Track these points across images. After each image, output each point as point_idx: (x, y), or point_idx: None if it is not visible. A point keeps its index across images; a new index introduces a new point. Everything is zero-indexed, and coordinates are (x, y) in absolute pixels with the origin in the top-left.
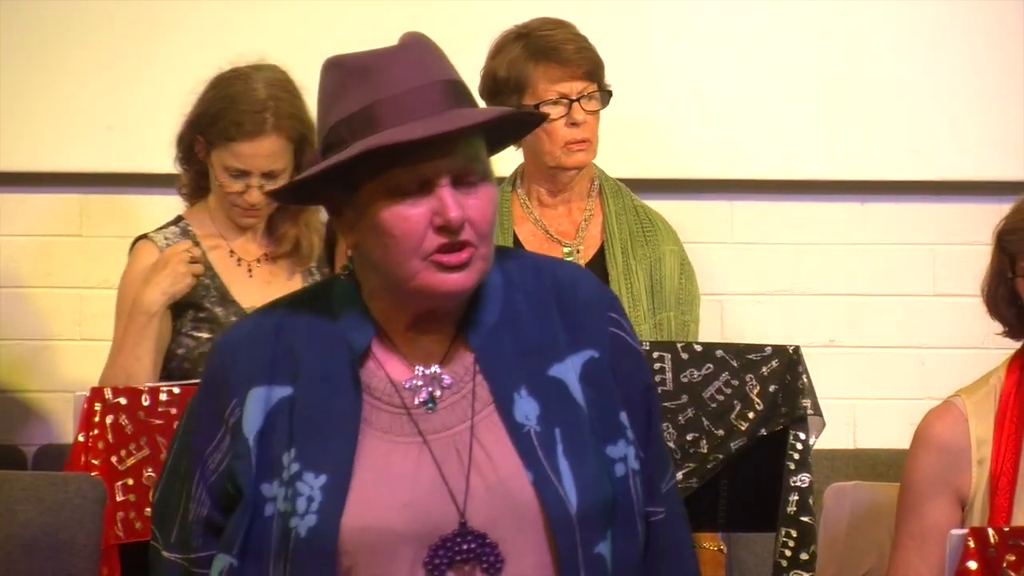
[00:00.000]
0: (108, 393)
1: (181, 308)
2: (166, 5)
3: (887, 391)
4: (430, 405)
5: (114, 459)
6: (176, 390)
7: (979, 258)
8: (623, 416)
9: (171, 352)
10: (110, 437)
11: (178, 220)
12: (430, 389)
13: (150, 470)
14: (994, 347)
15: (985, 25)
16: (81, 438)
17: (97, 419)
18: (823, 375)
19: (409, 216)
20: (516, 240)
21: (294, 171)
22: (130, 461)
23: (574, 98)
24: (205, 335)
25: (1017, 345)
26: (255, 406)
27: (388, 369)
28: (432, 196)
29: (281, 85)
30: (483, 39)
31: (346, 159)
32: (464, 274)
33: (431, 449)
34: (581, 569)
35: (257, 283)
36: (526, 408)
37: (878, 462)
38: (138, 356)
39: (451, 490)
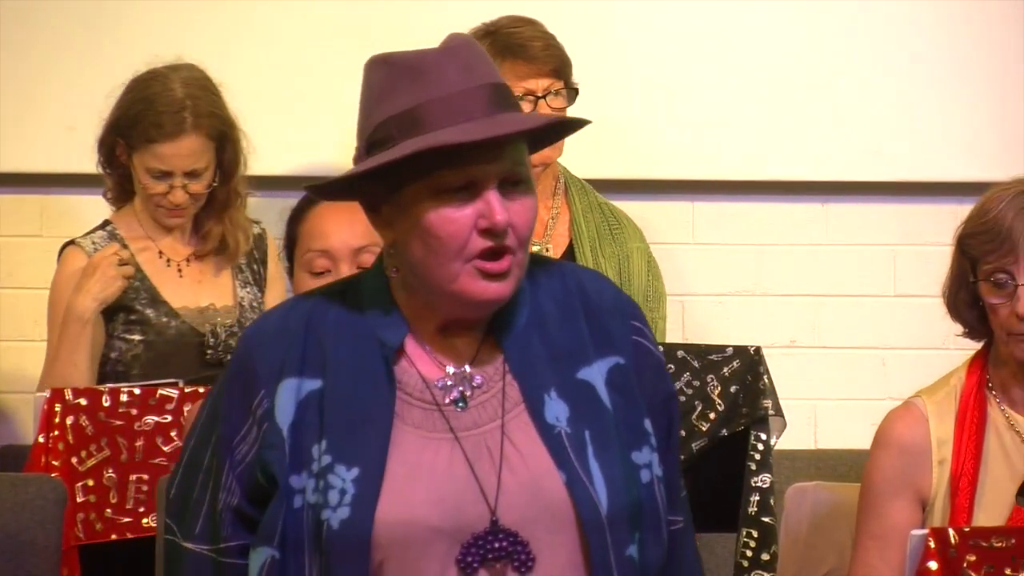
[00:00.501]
0: (68, 394)
1: (112, 311)
2: (129, 5)
3: (848, 391)
4: (461, 404)
5: (74, 460)
6: (136, 391)
7: (940, 259)
8: (647, 423)
9: (105, 356)
10: (70, 438)
11: (105, 224)
12: (461, 388)
13: (111, 471)
14: (955, 348)
15: (945, 27)
16: (41, 439)
17: (57, 420)
18: (784, 375)
19: (455, 218)
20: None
21: (216, 168)
22: (91, 462)
23: (540, 95)
24: (137, 337)
25: (978, 346)
26: (287, 397)
27: (419, 366)
28: (478, 199)
29: (198, 83)
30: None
31: (398, 158)
32: (504, 284)
33: (463, 446)
34: (614, 570)
35: (187, 282)
36: (556, 409)
37: (839, 463)
38: (75, 363)
39: (483, 487)
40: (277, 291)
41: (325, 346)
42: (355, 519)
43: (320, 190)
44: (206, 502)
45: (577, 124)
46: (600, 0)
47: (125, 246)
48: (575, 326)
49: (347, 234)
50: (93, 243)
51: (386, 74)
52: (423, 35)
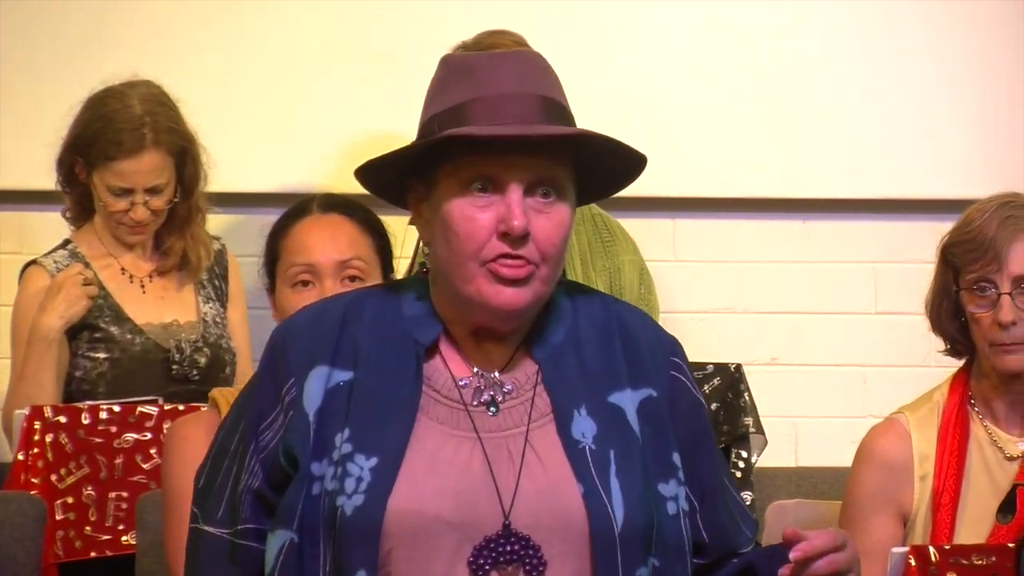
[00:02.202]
0: (48, 411)
1: (76, 330)
2: (109, 24)
3: (829, 409)
4: (493, 408)
5: (54, 477)
6: (116, 408)
7: (920, 276)
8: (675, 457)
9: (70, 375)
10: (50, 456)
11: (66, 243)
12: (491, 392)
13: (90, 488)
14: (935, 365)
15: (926, 46)
16: (20, 456)
17: (37, 437)
18: (765, 393)
19: (475, 217)
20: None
21: (176, 184)
22: (70, 480)
23: None
24: (102, 355)
25: (960, 363)
26: (316, 384)
27: (451, 367)
28: (502, 203)
29: (156, 99)
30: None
31: (421, 143)
32: (519, 291)
33: (484, 446)
34: None
35: (150, 298)
36: (584, 426)
37: (820, 480)
38: (41, 384)
39: (499, 488)
40: (239, 307)
41: (359, 340)
42: (368, 506)
43: (369, 184)
44: (228, 487)
45: (630, 153)
46: (582, 18)
47: (87, 264)
48: (611, 352)
49: (331, 248)
50: (55, 262)
51: (443, 74)
52: (402, 53)
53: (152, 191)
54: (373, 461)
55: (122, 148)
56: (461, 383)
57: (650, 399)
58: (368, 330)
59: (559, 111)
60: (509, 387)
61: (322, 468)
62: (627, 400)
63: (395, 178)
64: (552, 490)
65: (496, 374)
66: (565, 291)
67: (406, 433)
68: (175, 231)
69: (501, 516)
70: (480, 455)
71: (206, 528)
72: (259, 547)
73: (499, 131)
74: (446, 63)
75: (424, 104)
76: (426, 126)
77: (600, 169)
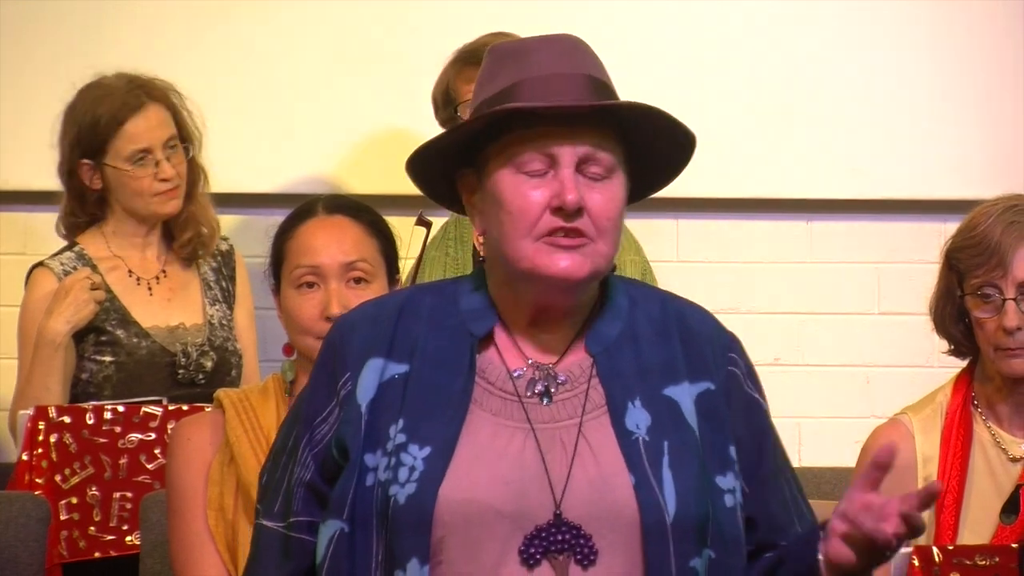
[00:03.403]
0: (52, 412)
1: (83, 333)
2: (112, 26)
3: (832, 409)
4: (546, 399)
5: (58, 478)
6: (120, 409)
7: (923, 276)
8: (732, 450)
9: (76, 378)
10: (54, 456)
11: (72, 245)
12: (545, 383)
13: (94, 488)
14: (939, 365)
15: (929, 46)
16: (25, 457)
17: (41, 438)
18: (768, 393)
19: (528, 194)
20: (476, 253)
21: (179, 137)
22: (74, 480)
23: None
24: (108, 358)
25: (963, 364)
26: (371, 375)
27: (506, 359)
28: (554, 179)
29: (130, 75)
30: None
31: (472, 121)
32: (578, 259)
33: (536, 437)
34: None
35: (157, 301)
36: (638, 418)
37: (823, 480)
38: (47, 387)
39: (551, 478)
40: (246, 308)
41: (416, 333)
42: (420, 495)
43: (420, 181)
44: (284, 481)
45: (680, 131)
46: (585, 19)
47: (94, 267)
48: (668, 347)
49: (336, 250)
50: (61, 264)
51: (491, 62)
52: (409, 53)
53: (167, 145)
54: (426, 451)
55: (126, 108)
56: (515, 374)
57: (708, 392)
58: (425, 323)
59: (606, 89)
60: (563, 379)
61: (376, 459)
62: (684, 393)
63: (445, 172)
64: (603, 480)
65: (551, 365)
66: (624, 289)
67: (459, 424)
68: (185, 196)
69: (552, 506)
70: (532, 445)
71: (265, 523)
72: (312, 540)
73: (550, 102)
74: (493, 52)
75: (474, 94)
76: (477, 111)
77: (650, 156)
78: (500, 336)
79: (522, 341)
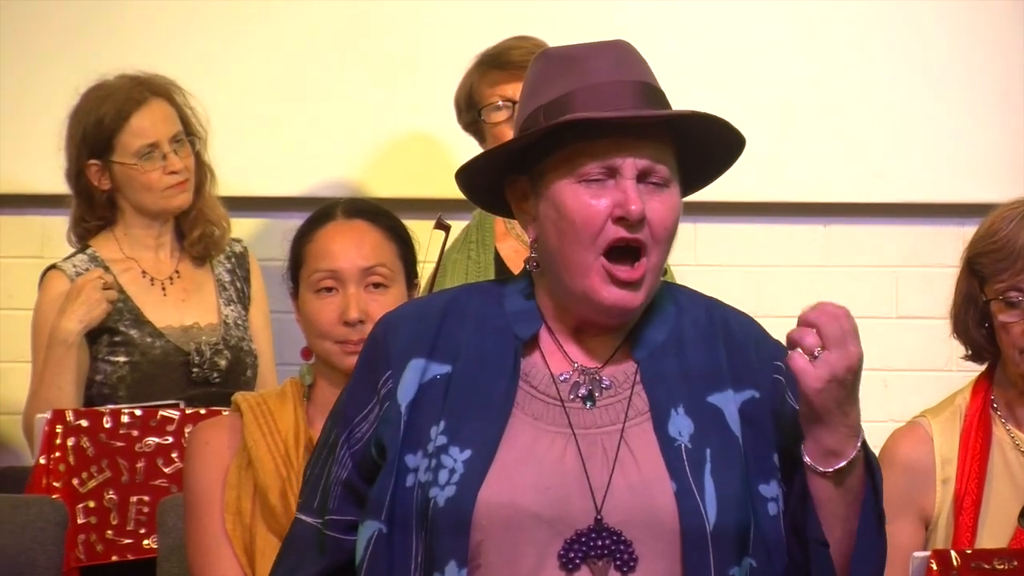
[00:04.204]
0: (69, 415)
1: (96, 334)
2: (132, 30)
3: None
4: (589, 402)
5: (75, 481)
6: (138, 412)
7: (942, 280)
8: (775, 458)
9: (90, 379)
10: (71, 459)
11: (85, 248)
12: (589, 387)
13: (111, 492)
14: (957, 369)
15: (948, 48)
16: (42, 460)
17: (58, 441)
18: None
19: (590, 204)
20: (498, 257)
21: (184, 133)
22: (91, 483)
23: (517, 100)
24: (122, 359)
25: (981, 367)
26: (411, 376)
27: (550, 363)
28: (615, 188)
29: (132, 74)
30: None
31: (534, 132)
32: (633, 294)
33: (578, 442)
34: None
35: (171, 301)
36: (681, 425)
37: None
38: (60, 387)
39: (591, 484)
40: (261, 310)
41: (460, 334)
42: (459, 497)
43: (467, 187)
44: (322, 477)
45: (729, 134)
46: (602, 22)
47: (107, 268)
48: (713, 353)
49: (355, 255)
50: (74, 266)
51: (542, 67)
52: (426, 56)
53: (174, 140)
54: (467, 453)
55: (130, 104)
56: (560, 378)
57: (752, 400)
58: (470, 324)
59: (659, 96)
60: (607, 383)
61: (416, 460)
62: (728, 401)
63: (492, 178)
64: (644, 486)
65: (596, 369)
66: (670, 294)
67: (500, 427)
68: (190, 221)
69: (593, 511)
70: (574, 450)
71: (302, 516)
72: (346, 538)
73: (611, 113)
74: (545, 56)
75: (523, 98)
76: (530, 118)
77: (698, 157)
78: (545, 340)
79: (567, 345)
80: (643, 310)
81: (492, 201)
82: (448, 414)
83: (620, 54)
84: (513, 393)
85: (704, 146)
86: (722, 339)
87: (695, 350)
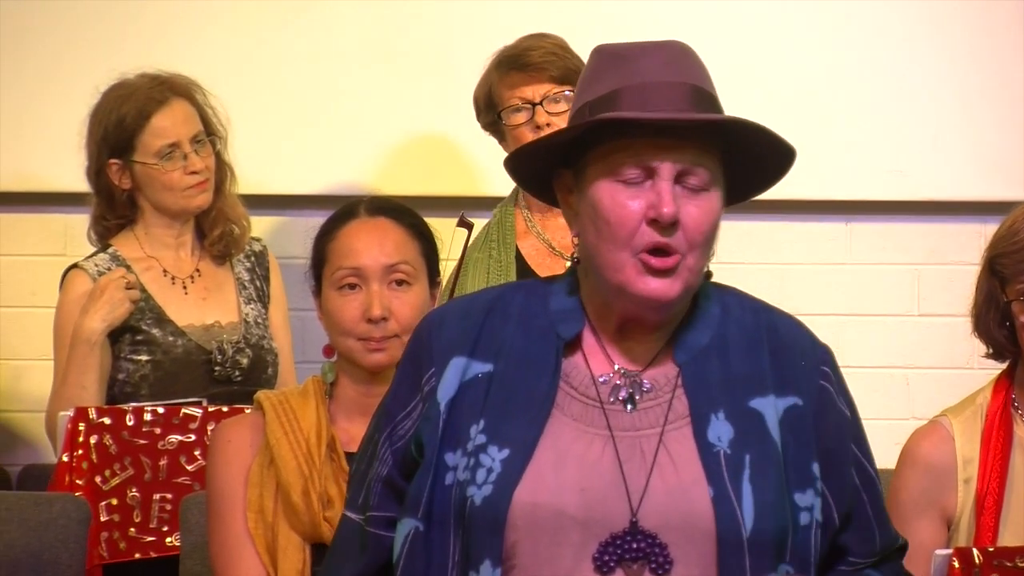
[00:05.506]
0: (92, 413)
1: (118, 333)
2: (152, 30)
3: (872, 411)
4: (630, 405)
5: (98, 479)
6: (160, 410)
7: (964, 278)
8: (815, 467)
9: (112, 378)
10: (94, 457)
11: (107, 247)
12: (630, 390)
13: (134, 490)
14: (979, 367)
15: (968, 46)
16: (65, 458)
17: (81, 439)
18: None
19: (626, 204)
20: (519, 255)
21: (205, 133)
22: (114, 481)
23: (537, 101)
24: (144, 357)
25: (1003, 366)
26: (453, 374)
27: (592, 364)
28: (651, 190)
29: (152, 73)
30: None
31: (574, 127)
32: (668, 282)
33: (616, 445)
34: None
35: (192, 300)
36: (720, 430)
37: None
38: (83, 386)
39: (628, 487)
40: (281, 308)
41: (503, 333)
42: (495, 497)
43: (518, 174)
44: (366, 474)
45: (777, 145)
46: (623, 19)
47: (128, 267)
48: (757, 358)
49: (377, 252)
50: (96, 265)
51: (596, 63)
52: (448, 53)
53: (195, 140)
54: (505, 453)
55: (151, 104)
56: (601, 379)
57: (795, 407)
58: (514, 323)
59: (709, 100)
60: (648, 386)
61: (456, 459)
62: (769, 406)
63: (543, 168)
64: (681, 490)
65: (637, 372)
66: (718, 297)
67: (539, 427)
68: (211, 220)
69: (629, 514)
70: (611, 453)
71: (348, 513)
72: (387, 535)
73: (650, 115)
74: (599, 52)
75: (576, 93)
76: (578, 113)
77: (749, 165)
78: (588, 340)
79: (610, 346)
80: (685, 311)
81: (541, 190)
82: (488, 413)
83: (671, 55)
84: (553, 393)
85: (752, 155)
86: (767, 344)
87: (739, 354)
